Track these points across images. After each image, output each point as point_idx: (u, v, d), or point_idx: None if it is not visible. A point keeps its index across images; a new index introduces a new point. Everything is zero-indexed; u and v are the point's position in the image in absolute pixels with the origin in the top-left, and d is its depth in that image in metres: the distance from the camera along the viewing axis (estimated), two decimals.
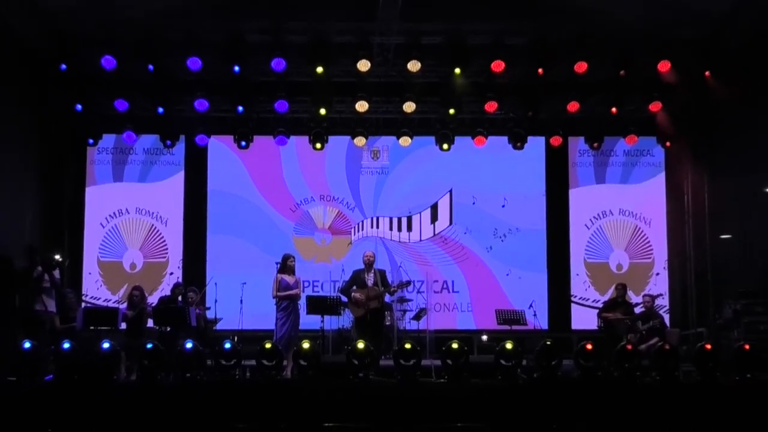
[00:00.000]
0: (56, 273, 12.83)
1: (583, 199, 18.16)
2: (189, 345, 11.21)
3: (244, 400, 10.35)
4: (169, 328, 13.12)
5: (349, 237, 17.96)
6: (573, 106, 16.77)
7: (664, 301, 17.06)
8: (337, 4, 16.30)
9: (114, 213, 17.70)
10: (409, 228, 18.05)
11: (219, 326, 14.69)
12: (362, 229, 18.03)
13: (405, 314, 15.78)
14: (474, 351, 15.38)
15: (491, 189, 18.03)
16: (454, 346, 11.15)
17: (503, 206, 17.97)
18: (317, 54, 15.98)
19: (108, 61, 15.65)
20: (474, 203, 18.02)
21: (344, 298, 13.86)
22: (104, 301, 17.09)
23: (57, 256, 14.21)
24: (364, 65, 16.03)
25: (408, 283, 14.84)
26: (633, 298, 15.45)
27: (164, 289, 16.43)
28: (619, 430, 9.93)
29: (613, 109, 16.90)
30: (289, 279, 13.69)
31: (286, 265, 13.78)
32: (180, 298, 14.11)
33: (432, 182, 18.07)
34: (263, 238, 17.48)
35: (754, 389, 10.75)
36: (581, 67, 15.98)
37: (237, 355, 11.40)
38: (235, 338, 12.86)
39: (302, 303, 13.91)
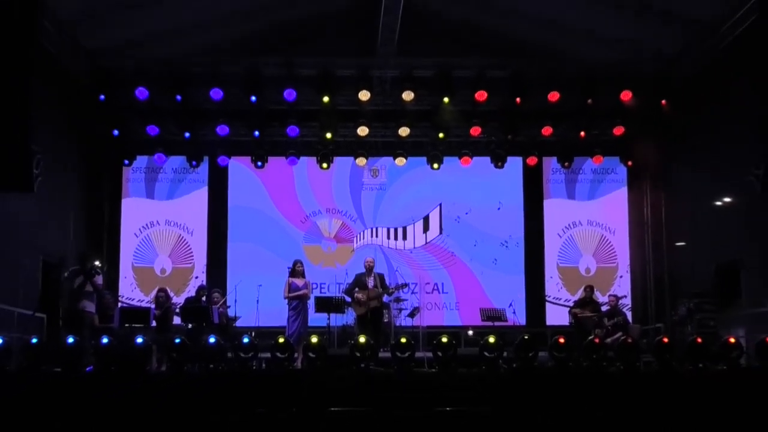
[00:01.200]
0: (99, 279, 12.79)
1: (555, 211, 18.16)
2: (212, 339, 11.18)
3: (260, 388, 10.32)
4: (194, 325, 13.13)
5: (351, 245, 17.95)
6: (547, 131, 16.85)
7: (627, 301, 16.99)
8: (341, 42, 16.44)
9: (146, 224, 17.71)
10: (404, 237, 18.05)
11: (238, 323, 14.66)
12: (363, 238, 18.03)
13: (401, 312, 15.75)
14: (461, 344, 15.27)
15: (476, 203, 18.04)
16: (444, 340, 11.11)
17: (498, 209, 17.99)
18: (324, 85, 16.10)
19: (141, 93, 15.74)
20: (467, 214, 18.03)
21: (348, 299, 13.87)
22: (138, 301, 17.06)
23: (97, 262, 14.21)
24: (364, 95, 16.13)
25: (403, 285, 14.88)
26: (600, 297, 15.42)
27: (190, 290, 16.42)
28: (588, 414, 9.90)
29: (582, 133, 17.01)
30: (298, 282, 13.69)
31: (295, 270, 13.80)
32: (204, 298, 14.12)
33: (424, 197, 18.08)
34: (277, 246, 17.46)
35: (705, 377, 10.74)
36: (554, 96, 16.08)
37: (254, 348, 11.36)
38: (252, 334, 12.82)
39: (311, 302, 13.94)
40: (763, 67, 11.22)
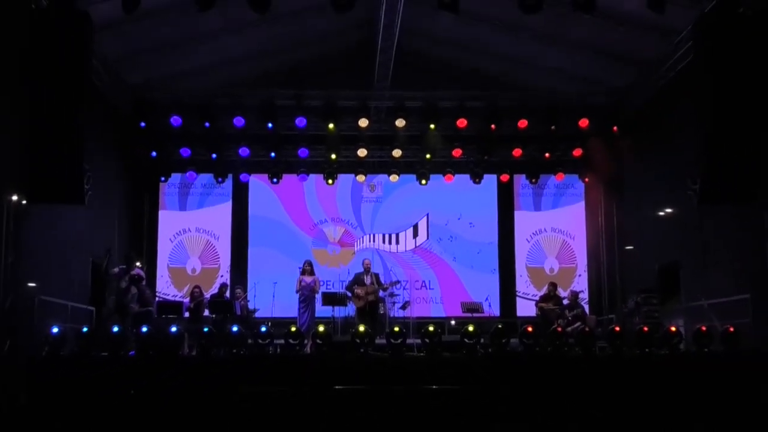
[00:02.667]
0: (142, 281, 12.76)
1: (524, 220, 18.15)
2: (235, 328, 11.19)
3: (275, 369, 10.32)
4: (220, 316, 13.11)
5: (352, 248, 17.93)
6: (517, 152, 16.89)
7: (584, 295, 16.99)
8: (343, 78, 16.53)
9: (179, 231, 17.68)
10: (397, 242, 18.04)
11: (257, 315, 14.62)
12: (362, 243, 18.01)
13: (394, 305, 15.68)
14: (445, 332, 15.28)
15: (458, 213, 18.03)
16: (430, 328, 11.13)
17: (471, 225, 17.98)
18: (329, 114, 16.13)
19: (175, 120, 15.78)
20: (450, 223, 18.02)
21: (349, 294, 13.87)
22: (172, 296, 16.98)
23: (138, 263, 14.19)
24: (363, 122, 16.17)
25: (396, 282, 14.91)
26: (562, 293, 15.41)
27: (216, 288, 16.38)
28: (551, 390, 9.92)
29: (546, 154, 17.06)
30: (308, 279, 13.71)
31: (305, 269, 13.82)
32: (227, 293, 14.11)
33: (414, 208, 18.04)
34: (290, 249, 17.42)
35: (650, 361, 10.77)
36: (523, 123, 16.13)
37: (270, 336, 11.37)
38: (269, 323, 12.80)
39: (318, 297, 13.96)
40: (699, 99, 11.28)
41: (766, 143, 10.68)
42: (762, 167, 10.73)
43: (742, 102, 10.64)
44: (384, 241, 18.06)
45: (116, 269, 12.76)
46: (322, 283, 15.41)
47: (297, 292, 13.70)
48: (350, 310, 14.69)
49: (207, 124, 15.92)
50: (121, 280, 12.33)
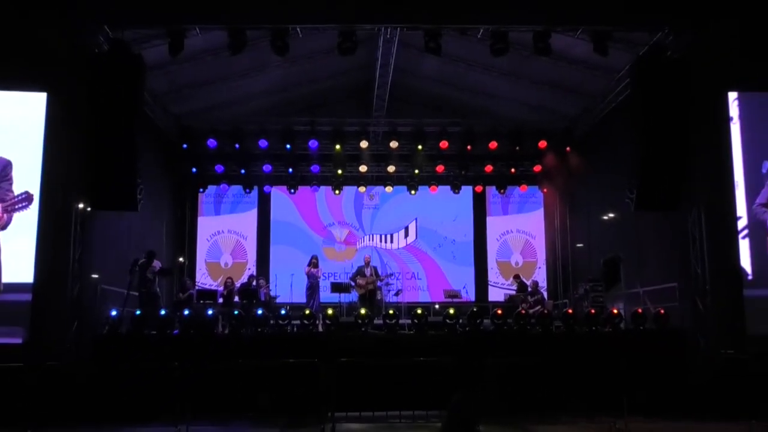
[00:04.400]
0: (160, 273, 12.63)
1: (494, 223, 18.16)
2: (260, 312, 11.24)
3: (293, 345, 10.37)
4: (247, 302, 13.14)
5: (355, 246, 17.92)
6: (488, 168, 16.94)
7: (543, 284, 17.05)
8: (348, 107, 16.57)
9: (215, 232, 17.66)
10: (391, 241, 18.06)
11: (278, 300, 14.64)
12: (363, 242, 18.03)
13: (389, 293, 15.72)
14: (430, 314, 15.24)
15: (441, 217, 18.06)
16: (419, 311, 11.19)
17: (455, 221, 17.93)
18: (336, 137, 16.16)
19: (211, 142, 15.81)
20: (434, 225, 18.01)
21: (353, 283, 13.91)
22: (209, 285, 16.92)
23: (180, 259, 14.17)
24: (364, 144, 16.23)
25: (391, 274, 14.97)
26: (525, 282, 15.48)
27: (244, 278, 16.38)
28: (517, 360, 9.98)
29: (512, 170, 17.10)
30: (313, 270, 13.78)
31: (311, 262, 13.91)
32: (254, 283, 14.14)
33: (405, 213, 18.05)
34: (304, 247, 17.33)
35: (596, 337, 10.84)
36: (493, 145, 16.21)
37: (288, 318, 11.42)
38: (288, 307, 12.83)
39: (326, 286, 13.99)
40: (635, 125, 11.38)
41: (686, 163, 10.82)
42: (684, 182, 10.87)
43: (669, 128, 10.75)
44: (381, 241, 18.08)
45: (137, 266, 12.62)
46: (330, 275, 15.47)
47: (306, 273, 13.87)
48: (353, 296, 14.73)
49: (237, 145, 15.96)
50: (146, 272, 12.29)
